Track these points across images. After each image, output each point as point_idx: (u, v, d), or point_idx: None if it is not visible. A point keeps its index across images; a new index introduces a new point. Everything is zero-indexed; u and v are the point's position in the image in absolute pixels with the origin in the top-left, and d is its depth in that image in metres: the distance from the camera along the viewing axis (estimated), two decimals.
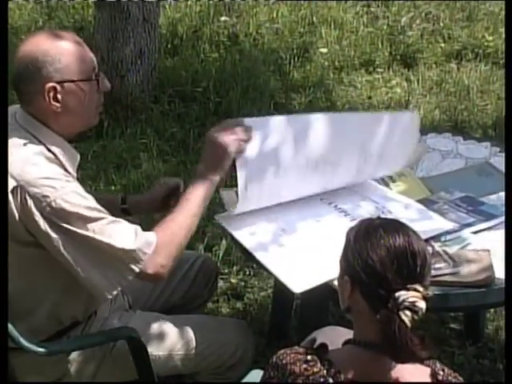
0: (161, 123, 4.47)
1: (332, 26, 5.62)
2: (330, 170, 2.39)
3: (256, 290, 3.34)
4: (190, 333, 2.30)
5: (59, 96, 2.04)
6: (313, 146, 2.31)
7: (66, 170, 2.08)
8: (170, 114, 4.56)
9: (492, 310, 3.12)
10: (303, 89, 4.91)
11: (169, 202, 2.41)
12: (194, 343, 2.29)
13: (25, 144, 2.05)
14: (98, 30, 4.52)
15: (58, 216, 1.98)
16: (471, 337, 3.07)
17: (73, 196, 1.99)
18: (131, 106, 4.47)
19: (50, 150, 2.07)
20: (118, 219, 2.07)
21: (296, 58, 5.22)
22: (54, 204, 1.97)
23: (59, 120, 2.08)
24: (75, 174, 2.15)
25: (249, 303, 3.27)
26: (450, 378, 1.71)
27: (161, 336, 2.27)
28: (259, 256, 2.23)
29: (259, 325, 3.09)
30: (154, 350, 2.25)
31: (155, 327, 2.28)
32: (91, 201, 2.04)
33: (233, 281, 3.37)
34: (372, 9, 5.92)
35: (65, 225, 1.99)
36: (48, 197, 1.97)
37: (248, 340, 2.38)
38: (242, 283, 3.37)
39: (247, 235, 2.30)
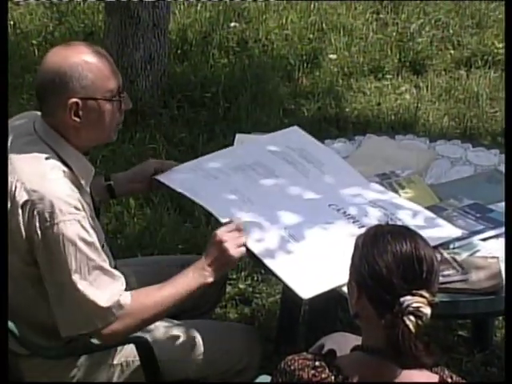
0: (170, 128, 4.47)
1: (341, 33, 5.61)
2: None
3: (264, 296, 3.33)
4: (198, 337, 2.30)
5: (81, 112, 2.05)
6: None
7: (80, 183, 2.09)
8: (179, 120, 4.56)
9: (500, 318, 3.10)
10: (312, 95, 4.91)
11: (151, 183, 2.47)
12: (201, 348, 2.29)
13: (44, 158, 2.05)
14: (108, 35, 4.53)
15: (54, 240, 1.98)
16: (479, 344, 3.07)
17: (75, 225, 1.99)
18: (140, 111, 4.47)
19: (66, 164, 2.07)
20: (105, 267, 2.04)
21: (305, 64, 5.21)
22: (55, 227, 1.97)
23: (78, 134, 2.09)
24: (88, 189, 2.16)
25: (257, 309, 3.27)
26: None
27: (169, 340, 2.27)
28: (268, 262, 2.23)
29: (267, 330, 3.09)
30: (162, 355, 2.25)
31: (163, 332, 2.28)
32: (92, 236, 2.03)
33: (241, 286, 3.37)
34: (381, 15, 5.90)
35: (55, 255, 1.98)
36: (53, 218, 1.97)
37: (256, 345, 2.38)
38: (250, 289, 3.37)
39: (255, 241, 2.30)
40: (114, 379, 2.24)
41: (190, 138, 4.40)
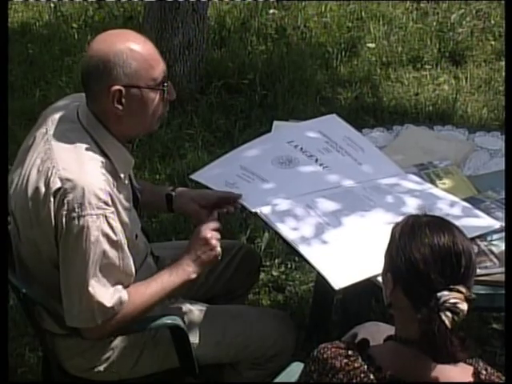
0: (207, 114, 4.48)
1: (380, 22, 5.57)
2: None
3: (297, 284, 3.34)
4: (231, 322, 2.31)
5: (123, 100, 2.04)
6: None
7: (118, 174, 2.08)
8: (216, 106, 4.57)
9: None
10: (350, 84, 4.89)
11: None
12: (234, 332, 2.30)
13: (84, 148, 2.05)
14: (148, 19, 4.54)
15: (76, 231, 1.98)
16: None
17: (101, 220, 1.99)
18: (178, 97, 4.45)
19: (106, 155, 2.07)
20: (118, 264, 2.04)
21: (343, 53, 5.19)
22: (81, 220, 1.97)
23: (120, 122, 2.08)
24: (127, 181, 2.15)
25: (290, 296, 3.27)
26: (492, 377, 1.69)
27: (202, 325, 2.28)
28: (302, 249, 2.23)
29: (299, 318, 3.09)
30: (195, 339, 2.26)
31: (197, 316, 2.30)
32: (117, 234, 2.03)
33: (274, 273, 3.37)
34: (422, 5, 5.85)
35: (74, 246, 1.99)
36: (81, 210, 1.97)
37: (289, 331, 2.39)
38: (284, 276, 3.38)
39: (291, 229, 2.30)
40: (147, 361, 2.25)
41: (227, 125, 4.41)
